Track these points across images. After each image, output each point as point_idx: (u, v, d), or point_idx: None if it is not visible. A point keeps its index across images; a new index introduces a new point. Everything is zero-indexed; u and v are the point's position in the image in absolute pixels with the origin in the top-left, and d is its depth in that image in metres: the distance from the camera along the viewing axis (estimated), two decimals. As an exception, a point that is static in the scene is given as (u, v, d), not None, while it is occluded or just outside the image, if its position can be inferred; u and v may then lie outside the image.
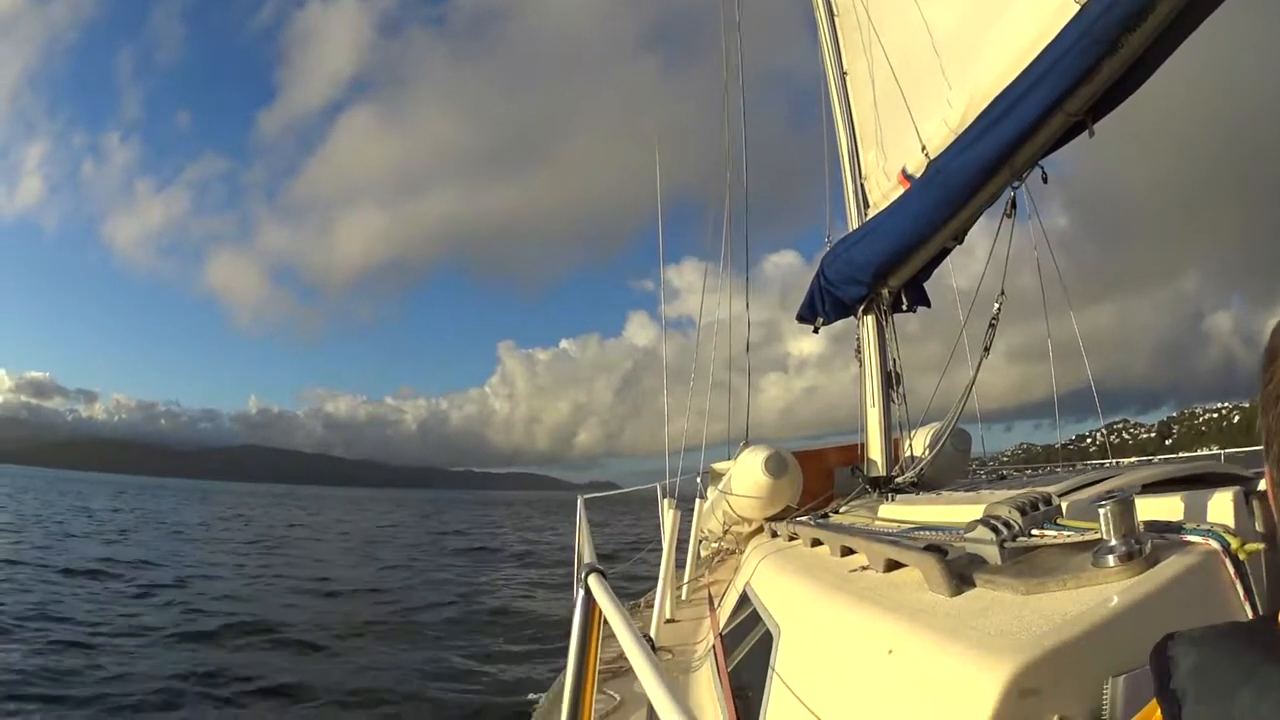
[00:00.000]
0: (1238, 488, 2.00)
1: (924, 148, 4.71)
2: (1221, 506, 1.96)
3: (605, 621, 1.86)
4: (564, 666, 1.84)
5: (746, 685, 3.13)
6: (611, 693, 4.28)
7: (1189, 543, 1.76)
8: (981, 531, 2.11)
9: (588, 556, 2.08)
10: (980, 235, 4.60)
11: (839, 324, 6.47)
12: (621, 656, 4.74)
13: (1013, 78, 3.71)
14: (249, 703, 9.73)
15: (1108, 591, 1.64)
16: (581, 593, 1.86)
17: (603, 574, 1.88)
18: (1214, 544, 1.71)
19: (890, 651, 1.87)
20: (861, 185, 6.12)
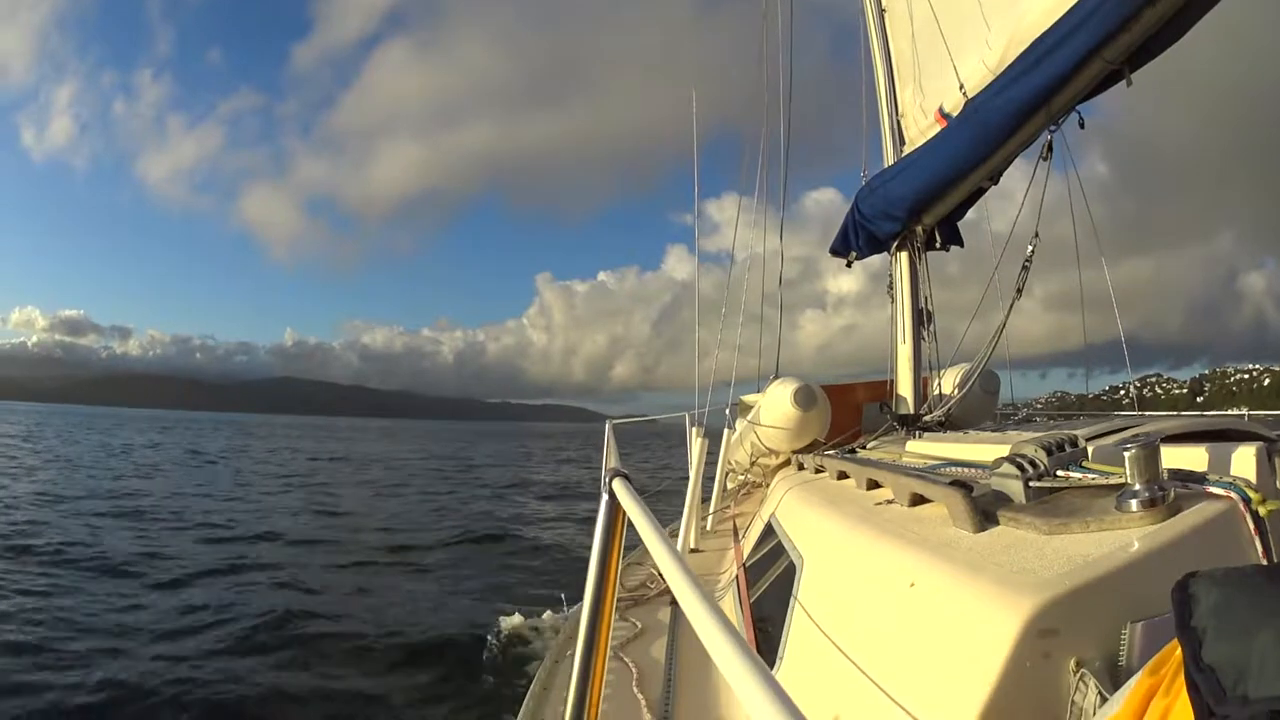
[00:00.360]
0: (1261, 444, 2.03)
1: (962, 87, 4.66)
2: (1244, 461, 1.99)
3: (626, 553, 1.84)
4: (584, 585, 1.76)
5: (768, 616, 3.17)
6: (633, 620, 4.33)
7: (1211, 494, 1.78)
8: (1007, 469, 2.15)
9: (613, 463, 1.99)
10: (1018, 180, 4.58)
11: (878, 262, 6.45)
12: (643, 585, 4.84)
13: (1052, 22, 3.66)
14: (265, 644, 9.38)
15: (1129, 536, 1.66)
16: (605, 497, 1.74)
17: (628, 478, 1.74)
18: (1235, 497, 1.73)
19: (912, 585, 1.91)
20: (898, 122, 6.06)
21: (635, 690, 3.34)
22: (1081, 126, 3.99)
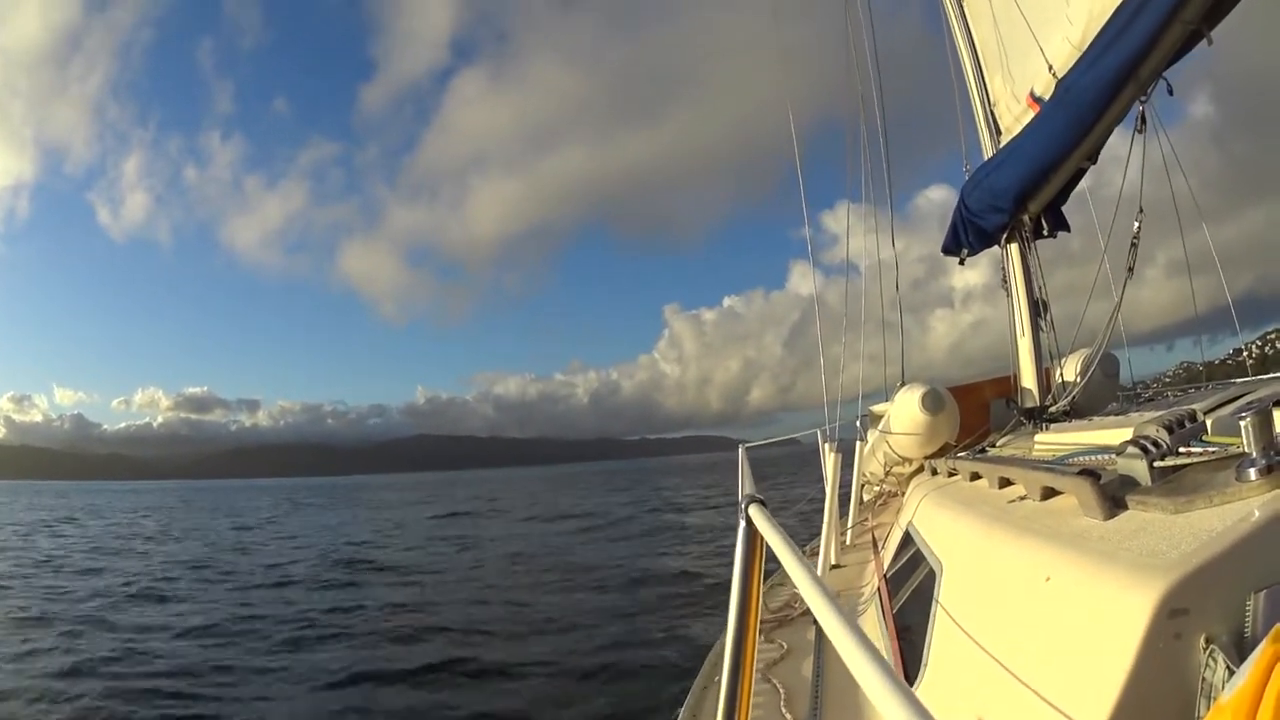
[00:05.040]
0: None
1: (1050, 67, 4.59)
2: None
3: (767, 576, 1.90)
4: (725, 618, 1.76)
5: (911, 626, 3.16)
6: (779, 641, 4.37)
7: None
8: (1132, 452, 2.13)
9: (748, 489, 2.01)
10: (1120, 154, 4.46)
11: (999, 253, 6.33)
12: (787, 605, 4.86)
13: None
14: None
15: (1249, 506, 1.62)
16: (743, 523, 1.75)
17: (763, 504, 1.76)
18: None
19: (1048, 579, 1.90)
20: (992, 111, 5.98)
21: (783, 711, 3.37)
22: (1170, 93, 3.88)
